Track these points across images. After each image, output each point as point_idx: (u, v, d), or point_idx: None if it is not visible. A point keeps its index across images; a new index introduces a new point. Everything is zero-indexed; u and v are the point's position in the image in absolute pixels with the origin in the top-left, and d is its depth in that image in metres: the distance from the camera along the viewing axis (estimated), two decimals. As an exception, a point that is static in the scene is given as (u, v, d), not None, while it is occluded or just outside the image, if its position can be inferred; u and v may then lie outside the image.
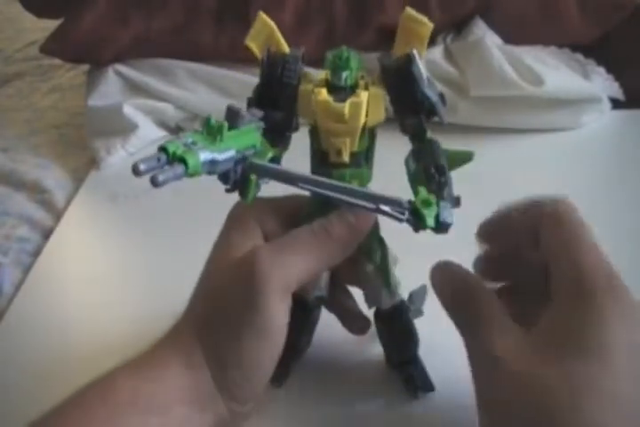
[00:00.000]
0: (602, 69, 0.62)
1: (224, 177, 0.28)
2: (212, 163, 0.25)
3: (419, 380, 0.36)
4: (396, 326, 0.36)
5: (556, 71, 0.60)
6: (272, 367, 0.30)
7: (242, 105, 0.32)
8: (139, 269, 0.49)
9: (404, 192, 0.29)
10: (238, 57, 0.62)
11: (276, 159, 0.32)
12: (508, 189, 0.54)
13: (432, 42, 0.64)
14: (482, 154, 0.57)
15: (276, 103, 0.31)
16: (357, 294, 0.37)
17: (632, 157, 0.57)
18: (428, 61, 0.60)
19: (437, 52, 0.61)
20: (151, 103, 0.64)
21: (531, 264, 0.31)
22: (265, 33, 0.31)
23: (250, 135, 0.28)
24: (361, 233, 0.30)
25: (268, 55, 0.31)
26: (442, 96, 0.31)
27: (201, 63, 0.64)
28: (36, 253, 0.51)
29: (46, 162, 0.63)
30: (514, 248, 0.32)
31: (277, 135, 0.31)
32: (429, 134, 0.32)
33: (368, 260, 0.33)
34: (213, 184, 0.46)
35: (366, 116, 0.30)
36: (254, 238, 0.31)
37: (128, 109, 0.63)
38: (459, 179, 0.58)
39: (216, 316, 0.30)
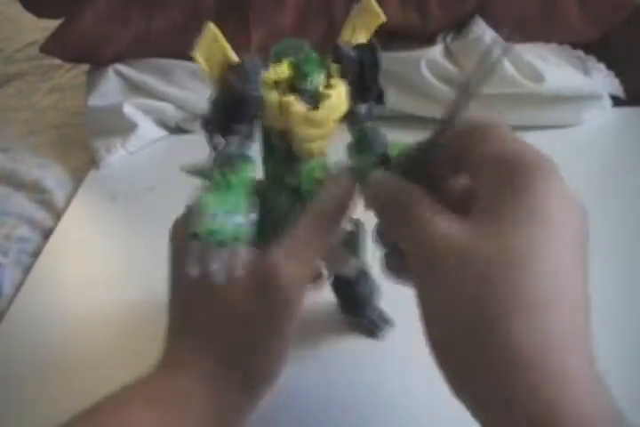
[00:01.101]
0: (602, 66, 0.62)
1: None
2: (238, 226, 0.26)
3: (380, 321, 0.39)
4: (360, 288, 0.37)
5: (556, 68, 0.60)
6: (278, 376, 0.30)
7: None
8: (139, 268, 0.49)
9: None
10: (238, 57, 0.62)
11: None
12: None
13: (432, 41, 0.64)
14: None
15: (242, 118, 0.29)
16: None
17: (633, 155, 0.56)
18: (429, 60, 0.60)
19: (437, 51, 0.61)
20: (151, 103, 0.64)
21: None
22: (213, 44, 0.30)
23: (246, 172, 0.28)
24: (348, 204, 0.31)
25: (230, 74, 0.29)
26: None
27: (201, 63, 0.64)
28: (36, 253, 0.52)
29: (46, 162, 0.63)
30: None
31: (247, 149, 0.30)
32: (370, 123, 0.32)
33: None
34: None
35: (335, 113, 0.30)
36: None
37: (128, 109, 0.63)
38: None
39: (235, 330, 0.29)
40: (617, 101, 0.61)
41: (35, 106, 0.75)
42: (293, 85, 0.29)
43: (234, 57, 0.30)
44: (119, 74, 0.65)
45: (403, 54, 0.62)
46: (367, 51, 0.30)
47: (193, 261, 0.23)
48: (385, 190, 0.28)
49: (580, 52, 0.63)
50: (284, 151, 0.31)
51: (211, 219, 0.25)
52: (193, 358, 0.29)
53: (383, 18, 0.30)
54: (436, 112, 0.62)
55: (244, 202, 0.27)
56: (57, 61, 0.81)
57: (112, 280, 0.48)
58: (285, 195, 0.32)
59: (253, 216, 0.27)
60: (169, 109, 0.64)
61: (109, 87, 0.65)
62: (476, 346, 0.23)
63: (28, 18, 0.73)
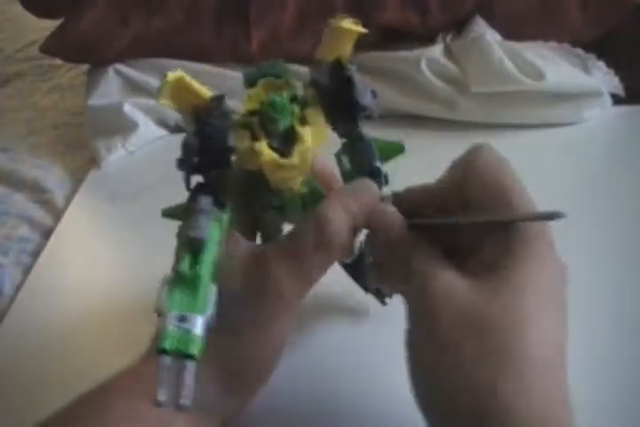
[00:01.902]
0: (602, 64, 0.62)
1: None
2: (208, 326, 0.25)
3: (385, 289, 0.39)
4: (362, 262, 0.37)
5: (556, 66, 0.60)
6: (270, 375, 0.30)
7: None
8: (139, 268, 0.49)
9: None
10: (238, 57, 0.62)
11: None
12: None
13: (432, 41, 0.64)
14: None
15: (213, 163, 0.28)
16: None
17: (633, 153, 0.56)
18: (429, 59, 0.60)
19: (437, 51, 0.61)
20: (151, 102, 0.64)
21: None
22: (180, 88, 0.29)
23: (212, 244, 0.27)
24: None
25: (195, 116, 0.29)
26: (373, 93, 0.30)
27: (201, 63, 0.64)
28: (36, 253, 0.51)
29: (46, 162, 0.63)
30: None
31: (221, 193, 0.28)
32: (360, 130, 0.31)
33: None
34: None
35: (312, 152, 0.29)
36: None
37: (128, 108, 0.63)
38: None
39: (228, 320, 0.28)
40: (617, 100, 0.61)
41: (35, 106, 0.75)
42: (266, 131, 0.29)
43: (205, 96, 0.29)
44: (119, 74, 0.65)
45: (403, 54, 0.62)
46: (339, 70, 0.29)
47: (160, 389, 0.23)
48: (390, 229, 0.29)
49: (579, 51, 0.63)
50: (263, 182, 0.30)
51: (170, 327, 0.24)
52: None
53: (359, 30, 0.30)
54: (437, 111, 0.62)
55: (208, 296, 0.25)
56: (57, 61, 0.81)
57: (112, 280, 0.48)
58: (273, 215, 0.32)
59: (211, 312, 0.25)
60: (169, 109, 0.64)
61: (109, 87, 0.65)
62: (467, 406, 0.24)
63: (28, 18, 0.72)
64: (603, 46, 0.63)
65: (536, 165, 0.56)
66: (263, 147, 0.28)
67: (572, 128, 0.60)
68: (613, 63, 0.62)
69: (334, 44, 0.30)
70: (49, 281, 0.49)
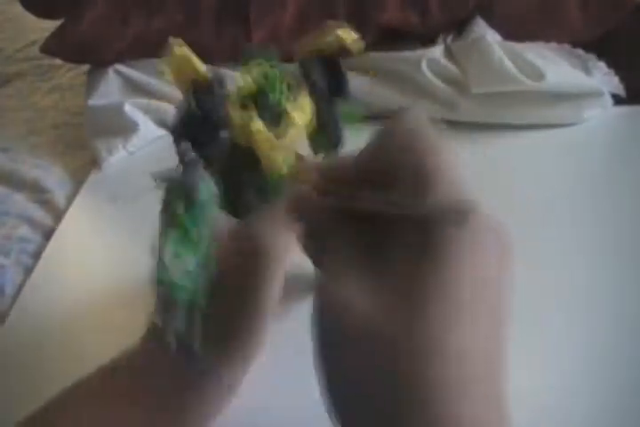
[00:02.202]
0: (602, 64, 0.62)
1: None
2: (202, 263, 0.26)
3: None
4: None
5: (556, 66, 0.60)
6: (265, 332, 0.31)
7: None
8: (140, 269, 0.49)
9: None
10: (238, 57, 0.62)
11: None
12: (511, 184, 0.54)
13: (432, 42, 0.64)
14: (484, 150, 0.58)
15: (206, 135, 0.30)
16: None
17: (633, 153, 0.56)
18: (429, 60, 0.60)
19: (438, 51, 0.61)
20: (151, 103, 0.64)
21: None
22: (182, 60, 0.30)
23: (206, 198, 0.27)
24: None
25: (194, 90, 0.30)
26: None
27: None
28: (37, 253, 0.51)
29: (46, 162, 0.63)
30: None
31: (211, 160, 0.30)
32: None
33: None
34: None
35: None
36: None
37: (128, 109, 0.63)
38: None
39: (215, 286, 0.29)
40: (617, 100, 0.61)
41: (35, 106, 0.75)
42: (259, 104, 0.30)
43: (203, 71, 0.30)
44: (119, 74, 0.65)
45: (403, 54, 0.62)
46: (332, 67, 0.32)
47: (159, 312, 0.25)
48: (309, 212, 0.28)
49: (580, 51, 0.63)
50: (250, 163, 0.31)
51: (163, 269, 0.25)
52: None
53: (351, 40, 0.31)
54: (437, 112, 0.62)
55: (201, 236, 0.27)
56: (57, 61, 0.81)
57: (114, 281, 0.48)
58: (253, 192, 0.33)
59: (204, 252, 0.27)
60: (169, 109, 0.64)
61: (109, 87, 0.65)
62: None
63: (28, 18, 0.72)
64: (603, 46, 0.63)
65: (536, 166, 0.56)
66: (258, 125, 0.29)
67: (573, 128, 0.60)
68: (613, 63, 0.62)
69: (325, 44, 0.32)
70: (50, 282, 0.49)
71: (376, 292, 0.23)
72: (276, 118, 0.30)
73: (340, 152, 0.34)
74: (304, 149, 0.34)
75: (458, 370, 0.22)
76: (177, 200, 0.27)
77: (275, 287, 0.31)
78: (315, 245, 0.27)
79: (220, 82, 0.30)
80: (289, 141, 0.30)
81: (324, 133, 0.34)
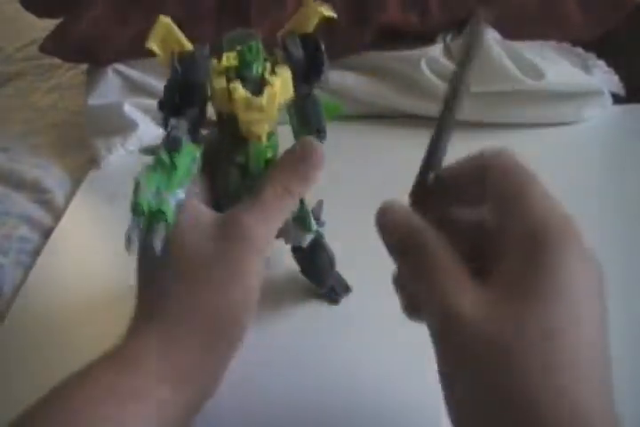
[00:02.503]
0: (602, 63, 0.62)
1: None
2: (180, 203, 0.29)
3: (338, 288, 0.42)
4: (317, 256, 0.41)
5: (556, 65, 0.60)
6: (250, 319, 0.31)
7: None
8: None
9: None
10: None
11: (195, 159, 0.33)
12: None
13: (432, 41, 0.64)
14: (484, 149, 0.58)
15: (190, 101, 0.32)
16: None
17: (633, 152, 0.56)
18: (429, 59, 0.60)
19: (437, 50, 0.61)
20: (151, 102, 0.63)
21: (471, 224, 0.29)
22: (167, 34, 0.32)
23: (189, 153, 0.30)
24: (313, 183, 0.33)
25: (178, 58, 0.31)
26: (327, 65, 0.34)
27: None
28: (36, 253, 0.51)
29: (46, 162, 0.63)
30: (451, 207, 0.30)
31: (195, 131, 0.32)
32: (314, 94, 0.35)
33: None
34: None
35: (279, 99, 0.32)
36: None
37: (128, 108, 0.63)
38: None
39: (200, 270, 0.30)
40: (617, 99, 0.61)
41: (34, 106, 0.75)
42: (240, 76, 0.32)
43: (188, 45, 0.32)
44: (119, 73, 0.65)
45: (403, 53, 0.62)
46: (311, 43, 0.33)
47: (131, 232, 0.27)
48: (401, 231, 0.28)
49: (579, 50, 0.63)
50: (233, 133, 0.33)
51: (144, 194, 0.27)
52: (148, 325, 0.31)
53: (326, 13, 0.33)
54: (437, 111, 0.62)
55: (181, 180, 0.29)
56: (57, 61, 0.81)
57: (112, 280, 0.48)
58: (235, 173, 0.35)
59: (182, 196, 0.29)
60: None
61: (109, 87, 0.65)
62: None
63: (27, 17, 0.73)
64: (603, 46, 0.63)
65: (536, 165, 0.56)
66: (237, 86, 0.31)
67: (573, 127, 0.60)
68: (613, 63, 0.62)
69: (304, 20, 0.34)
70: (49, 280, 0.49)
71: (490, 304, 0.24)
72: (258, 89, 0.31)
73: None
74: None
75: (574, 369, 0.23)
76: (162, 150, 0.30)
77: (258, 277, 0.31)
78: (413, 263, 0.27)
79: (203, 53, 0.32)
80: (265, 101, 0.31)
81: (304, 115, 0.35)
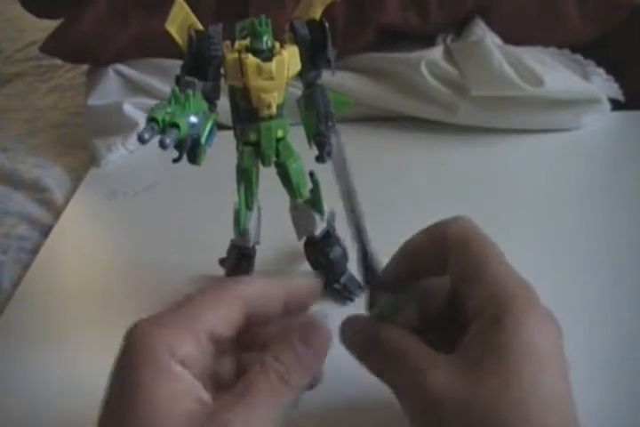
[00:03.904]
0: (601, 70, 0.62)
1: (180, 145, 0.31)
2: (192, 125, 0.30)
3: (352, 286, 0.42)
4: (331, 248, 0.41)
5: (555, 72, 0.60)
6: None
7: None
8: (137, 266, 0.49)
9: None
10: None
11: (215, 124, 0.34)
12: (509, 189, 0.54)
13: (432, 42, 0.64)
14: (482, 154, 0.58)
15: (205, 75, 0.34)
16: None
17: (632, 158, 0.57)
18: (429, 61, 0.60)
19: (437, 53, 0.61)
20: (151, 102, 0.63)
21: (437, 292, 0.31)
22: (181, 17, 0.35)
23: (202, 101, 0.32)
24: (317, 369, 0.28)
25: (194, 34, 0.34)
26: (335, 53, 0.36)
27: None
28: (36, 251, 0.51)
29: (46, 162, 0.63)
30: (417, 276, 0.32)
31: (210, 103, 0.34)
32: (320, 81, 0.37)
33: (297, 197, 0.38)
34: (211, 181, 0.46)
35: (287, 70, 0.34)
36: (175, 381, 0.25)
37: (128, 108, 0.63)
38: (459, 179, 0.58)
39: None
40: (616, 105, 0.61)
41: (34, 106, 0.75)
42: (252, 50, 0.33)
43: (201, 27, 0.35)
44: (119, 74, 0.65)
45: (403, 55, 0.62)
46: (317, 26, 0.35)
47: (145, 130, 0.27)
48: (368, 338, 0.29)
49: (579, 57, 0.63)
50: (246, 110, 0.35)
51: (159, 112, 0.28)
52: None
53: None
54: (436, 114, 0.62)
55: (195, 112, 0.30)
56: (57, 61, 0.81)
57: (111, 277, 0.48)
58: (248, 151, 0.36)
59: (195, 120, 0.30)
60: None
61: (109, 87, 0.65)
62: None
63: (28, 18, 0.73)
64: (602, 52, 0.63)
65: (535, 171, 0.56)
66: (248, 54, 0.33)
67: (571, 134, 0.60)
68: (613, 64, 0.62)
69: (309, 7, 0.35)
70: (47, 277, 0.49)
71: (460, 377, 0.25)
72: (268, 59, 0.33)
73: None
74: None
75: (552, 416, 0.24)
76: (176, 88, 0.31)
77: None
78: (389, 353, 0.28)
79: (217, 29, 0.34)
80: (275, 67, 0.33)
81: (312, 101, 0.36)
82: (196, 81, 0.33)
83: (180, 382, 0.25)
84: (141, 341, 0.25)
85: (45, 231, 0.54)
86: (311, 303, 0.30)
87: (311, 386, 0.29)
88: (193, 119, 0.30)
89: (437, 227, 0.30)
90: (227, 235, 0.41)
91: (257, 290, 0.28)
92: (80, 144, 0.66)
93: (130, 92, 0.65)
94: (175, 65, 0.70)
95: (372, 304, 0.31)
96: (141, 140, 0.26)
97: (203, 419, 0.24)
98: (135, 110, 0.63)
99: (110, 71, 0.65)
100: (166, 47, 0.65)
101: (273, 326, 0.29)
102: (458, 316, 0.28)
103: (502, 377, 0.24)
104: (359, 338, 0.30)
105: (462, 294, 0.28)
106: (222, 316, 0.27)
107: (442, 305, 0.30)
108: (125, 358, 0.25)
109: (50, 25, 0.67)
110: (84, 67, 0.73)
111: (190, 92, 0.30)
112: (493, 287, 0.27)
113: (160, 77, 0.64)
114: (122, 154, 0.62)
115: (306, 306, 0.30)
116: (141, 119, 0.63)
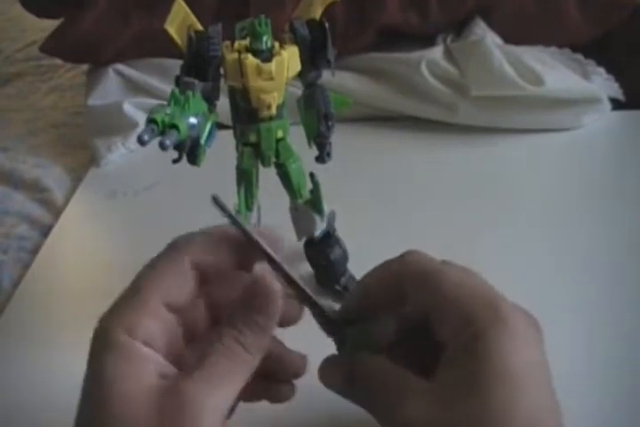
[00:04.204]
0: (602, 70, 0.62)
1: (180, 146, 0.31)
2: (192, 126, 0.30)
3: (352, 286, 0.42)
4: (331, 249, 0.41)
5: (556, 71, 0.60)
6: None
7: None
8: (137, 266, 0.48)
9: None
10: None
11: (215, 124, 0.34)
12: (509, 188, 0.54)
13: (432, 42, 0.64)
14: (482, 154, 0.58)
15: (204, 76, 0.34)
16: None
17: (632, 158, 0.57)
18: (429, 61, 0.60)
19: (438, 52, 0.61)
20: (151, 102, 0.63)
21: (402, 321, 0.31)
22: (181, 17, 0.35)
23: (201, 102, 0.32)
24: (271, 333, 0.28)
25: (194, 35, 0.34)
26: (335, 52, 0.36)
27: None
28: (36, 251, 0.51)
29: (46, 162, 0.63)
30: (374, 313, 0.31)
31: (209, 104, 0.34)
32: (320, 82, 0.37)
33: (297, 197, 0.39)
34: (211, 181, 0.46)
35: (287, 70, 0.34)
36: (138, 360, 0.25)
37: (128, 108, 0.63)
38: (459, 179, 0.58)
39: None
40: (616, 105, 0.61)
41: (34, 106, 0.75)
42: (251, 50, 0.33)
43: (200, 28, 0.35)
44: (119, 73, 0.65)
45: (403, 55, 0.62)
46: (317, 26, 0.35)
47: (144, 132, 0.27)
48: (346, 376, 0.29)
49: (579, 56, 0.63)
50: (246, 110, 0.35)
51: (158, 113, 0.28)
52: None
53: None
54: (436, 114, 0.62)
55: (194, 114, 0.30)
56: (57, 61, 0.81)
57: (110, 277, 0.48)
58: (248, 152, 0.37)
59: (194, 121, 0.30)
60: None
61: (109, 87, 0.65)
62: None
63: (28, 18, 0.73)
64: (602, 51, 0.63)
65: (535, 170, 0.56)
66: (248, 55, 0.33)
67: (571, 133, 0.60)
68: (613, 64, 0.62)
69: (309, 7, 0.36)
70: (47, 278, 0.49)
71: (438, 401, 0.25)
72: (267, 59, 0.33)
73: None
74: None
75: None
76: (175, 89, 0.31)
77: None
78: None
79: (216, 29, 0.34)
80: (274, 67, 0.33)
81: (312, 100, 0.36)
82: (196, 82, 0.33)
83: (143, 361, 0.25)
84: (102, 333, 0.27)
85: (45, 231, 0.54)
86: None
87: (296, 375, 0.31)
88: (192, 120, 0.30)
89: (390, 264, 0.30)
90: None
91: (203, 248, 0.29)
92: (80, 144, 0.66)
93: (130, 91, 0.65)
94: (175, 65, 0.71)
95: (342, 343, 0.31)
96: (141, 141, 0.27)
97: (162, 392, 0.24)
98: (135, 110, 0.63)
99: (110, 71, 0.65)
100: (166, 47, 0.65)
101: (231, 283, 0.30)
102: (434, 337, 0.28)
103: (477, 406, 0.24)
104: (337, 376, 0.30)
105: (433, 320, 0.28)
106: (174, 285, 0.28)
107: (413, 331, 0.30)
108: (91, 352, 0.27)
109: (50, 25, 0.67)
110: (84, 67, 0.73)
111: (190, 93, 0.30)
112: (459, 313, 0.27)
113: (160, 77, 0.64)
114: (122, 154, 0.62)
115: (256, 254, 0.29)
116: (141, 119, 0.63)
